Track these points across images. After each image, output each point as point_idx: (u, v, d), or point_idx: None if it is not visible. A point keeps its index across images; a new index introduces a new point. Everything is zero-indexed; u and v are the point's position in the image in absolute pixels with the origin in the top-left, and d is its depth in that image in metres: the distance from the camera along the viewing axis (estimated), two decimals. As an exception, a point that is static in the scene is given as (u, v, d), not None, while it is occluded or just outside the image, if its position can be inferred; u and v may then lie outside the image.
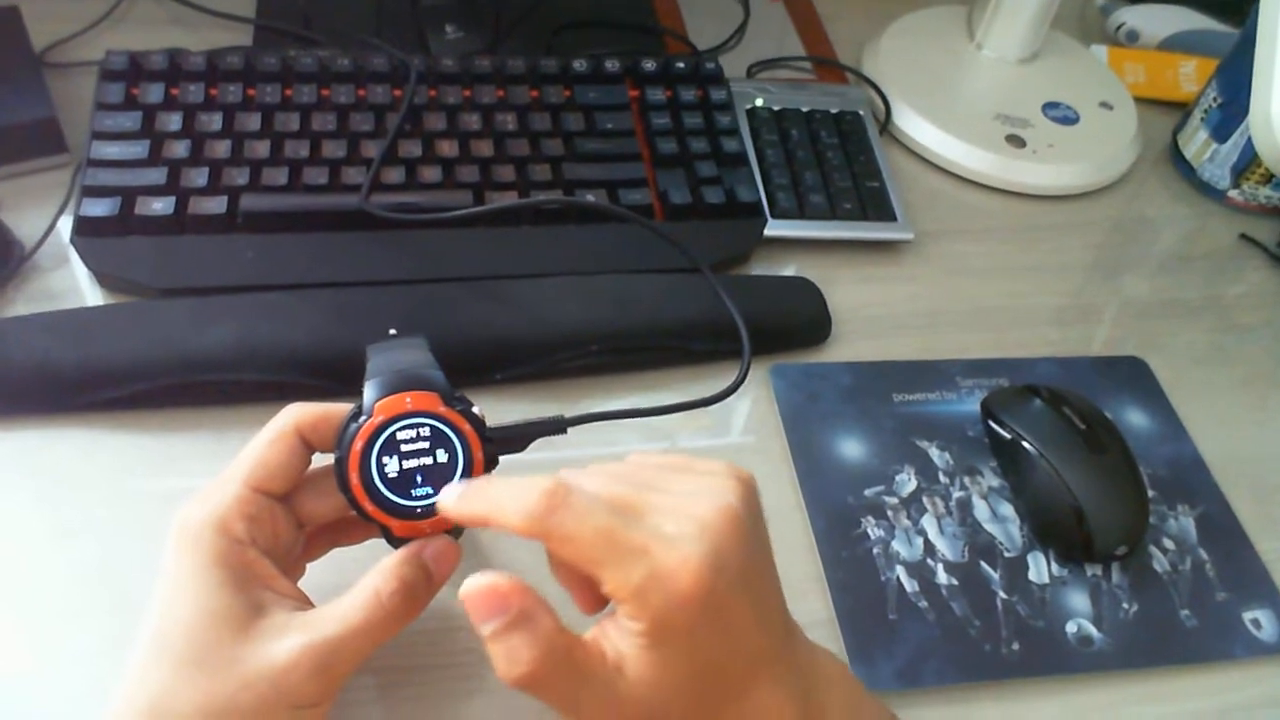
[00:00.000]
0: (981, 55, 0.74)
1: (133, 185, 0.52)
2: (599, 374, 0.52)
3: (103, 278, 0.51)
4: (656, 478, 0.33)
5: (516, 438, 0.38)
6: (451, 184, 0.56)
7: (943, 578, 0.46)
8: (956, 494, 0.50)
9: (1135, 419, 0.55)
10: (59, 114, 0.56)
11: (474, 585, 0.30)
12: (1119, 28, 0.82)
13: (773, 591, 0.33)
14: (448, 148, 0.57)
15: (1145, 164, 0.72)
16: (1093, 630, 0.46)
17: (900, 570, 0.46)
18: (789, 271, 0.59)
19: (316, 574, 0.39)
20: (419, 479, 0.34)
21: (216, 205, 0.52)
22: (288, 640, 0.32)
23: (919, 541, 0.48)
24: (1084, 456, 0.48)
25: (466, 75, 0.61)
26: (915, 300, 0.60)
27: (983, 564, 0.47)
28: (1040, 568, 0.48)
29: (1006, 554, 0.48)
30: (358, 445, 0.34)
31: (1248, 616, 0.47)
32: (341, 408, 0.36)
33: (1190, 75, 0.78)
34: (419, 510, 0.34)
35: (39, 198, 0.54)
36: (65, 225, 0.53)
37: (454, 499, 0.33)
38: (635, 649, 0.30)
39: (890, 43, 0.74)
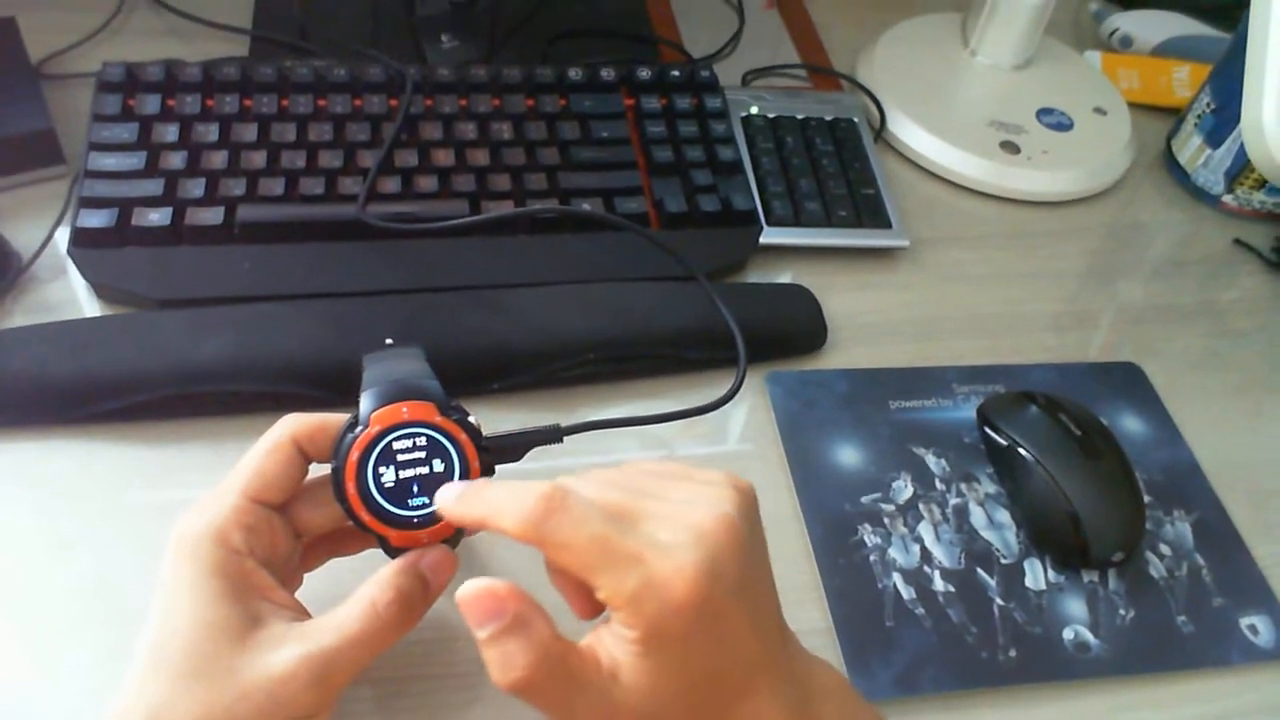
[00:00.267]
0: (976, 62, 0.74)
1: (130, 196, 0.52)
2: (595, 383, 0.52)
3: (100, 289, 0.51)
4: (654, 485, 0.33)
5: (513, 447, 0.38)
6: (448, 193, 0.56)
7: (940, 585, 0.46)
8: (953, 501, 0.50)
9: (1131, 425, 0.55)
10: (56, 125, 0.56)
11: (471, 590, 0.30)
12: (1112, 34, 0.83)
13: (769, 601, 0.33)
14: (444, 157, 0.57)
15: (1139, 170, 0.73)
16: (1090, 637, 0.46)
17: (897, 577, 0.46)
18: (785, 279, 0.59)
19: (314, 584, 0.39)
20: (415, 489, 0.35)
21: (213, 216, 0.52)
22: (285, 651, 0.32)
23: (916, 549, 0.48)
24: (1080, 463, 0.48)
25: (462, 85, 0.61)
26: (911, 307, 0.60)
27: (979, 571, 0.47)
28: (1037, 574, 0.48)
29: (1003, 561, 0.48)
30: (354, 455, 0.34)
31: (1244, 622, 0.47)
32: (338, 418, 0.36)
33: (1184, 81, 0.78)
34: (416, 520, 0.35)
35: (36, 209, 0.54)
36: (62, 236, 0.53)
37: (453, 500, 0.33)
38: (630, 656, 0.30)
39: (885, 50, 0.74)
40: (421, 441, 0.35)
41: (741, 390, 0.48)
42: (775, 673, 0.32)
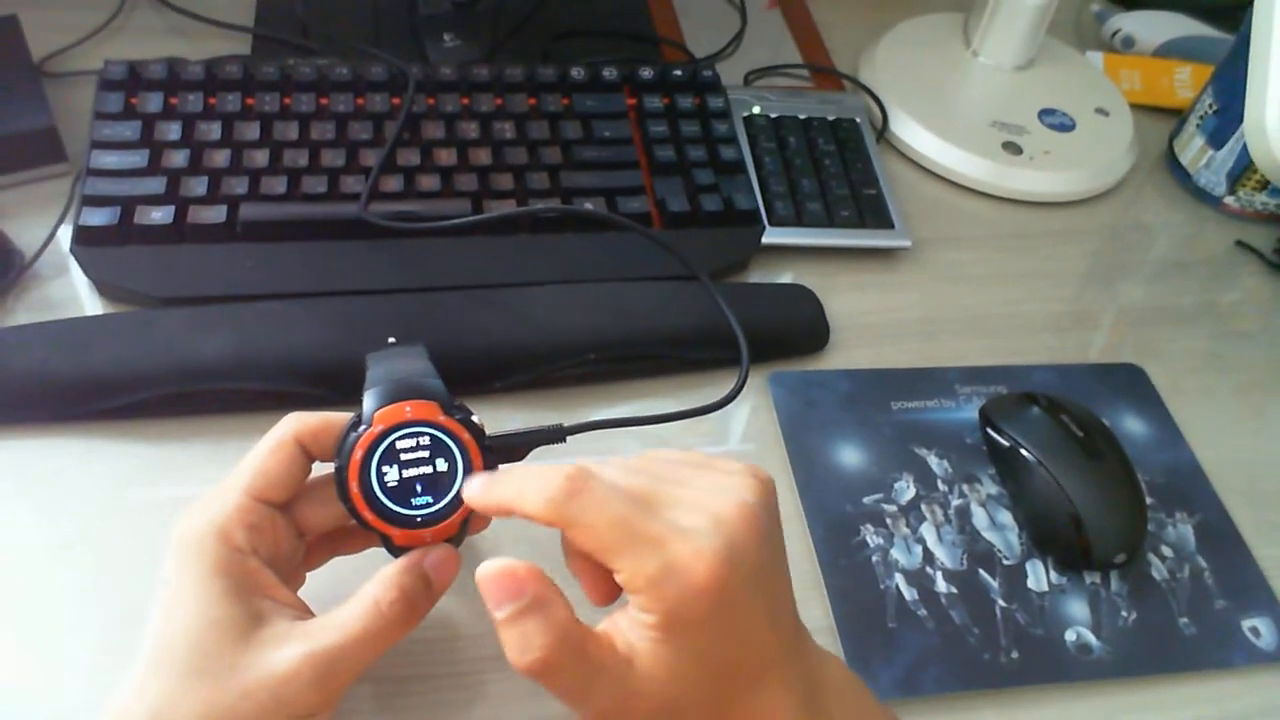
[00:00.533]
0: (978, 62, 0.74)
1: (132, 195, 0.52)
2: (598, 382, 0.52)
3: (102, 287, 0.51)
4: (675, 472, 0.33)
5: (516, 446, 0.38)
6: (450, 192, 0.56)
7: (942, 586, 0.46)
8: (955, 502, 0.50)
9: (1133, 426, 0.55)
10: (58, 123, 0.56)
11: (490, 569, 0.30)
12: (1114, 34, 0.83)
13: (785, 593, 0.33)
14: (446, 156, 0.57)
15: (1141, 170, 0.73)
16: (1091, 638, 0.46)
17: (899, 578, 0.46)
18: (787, 279, 0.59)
19: (316, 583, 0.39)
20: (419, 488, 0.34)
21: (216, 214, 0.52)
22: (288, 649, 0.32)
23: (918, 549, 0.48)
24: (1082, 464, 0.48)
25: (464, 84, 0.61)
26: (913, 308, 0.60)
27: (981, 572, 0.47)
28: (1039, 575, 0.48)
29: (1005, 562, 0.48)
30: (357, 454, 0.34)
31: (1246, 624, 0.47)
32: (341, 417, 0.36)
33: (1186, 81, 0.78)
34: (419, 519, 0.35)
35: (38, 207, 0.54)
36: (65, 234, 0.53)
37: (479, 488, 0.34)
38: (647, 641, 0.30)
39: (887, 50, 0.74)
40: (425, 441, 0.35)
41: (744, 390, 0.48)
42: (788, 664, 0.32)
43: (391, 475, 0.34)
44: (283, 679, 0.31)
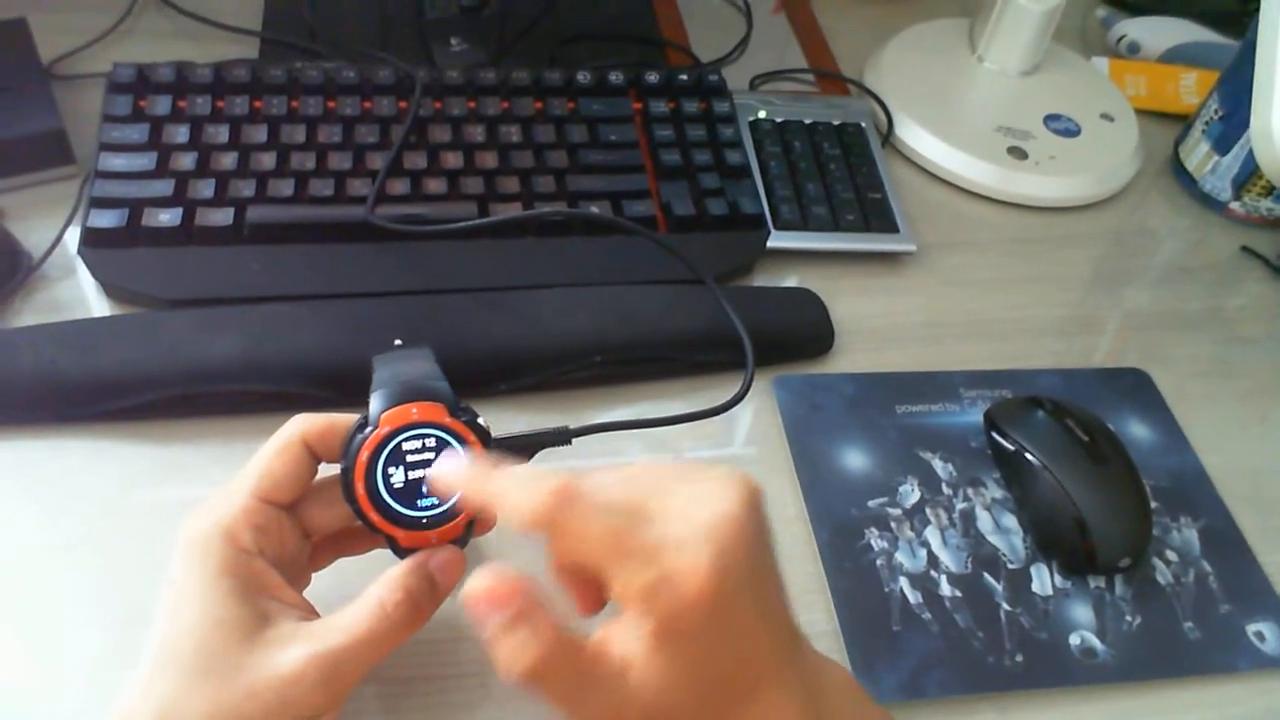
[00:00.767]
0: (983, 68, 0.74)
1: (140, 197, 0.52)
2: (603, 385, 0.52)
3: (110, 289, 0.51)
4: (663, 482, 0.33)
5: (521, 448, 0.38)
6: (456, 195, 0.56)
7: (946, 589, 0.46)
8: (960, 505, 0.50)
9: (1138, 431, 0.55)
10: (66, 126, 0.56)
11: (478, 580, 0.30)
12: (1120, 40, 0.83)
13: (779, 599, 0.33)
14: (453, 159, 0.57)
15: (1147, 176, 0.73)
16: (1096, 642, 0.46)
17: (904, 582, 0.46)
18: (792, 283, 0.60)
19: (322, 584, 0.39)
20: (424, 490, 0.35)
21: (223, 217, 0.52)
22: (294, 650, 0.32)
23: (922, 553, 0.48)
24: (1087, 468, 0.48)
25: (471, 87, 0.61)
26: (918, 311, 0.60)
27: (986, 576, 0.47)
28: (1043, 579, 0.48)
29: (1010, 566, 0.48)
30: (363, 456, 0.34)
31: (1251, 629, 0.47)
32: (347, 418, 0.36)
33: (1191, 87, 0.78)
34: (424, 521, 0.35)
35: (46, 209, 0.55)
36: (73, 236, 0.53)
37: (464, 476, 0.33)
38: (642, 651, 0.30)
39: (892, 55, 0.74)
40: (431, 442, 0.35)
41: (749, 394, 0.48)
42: (786, 670, 0.32)
43: (397, 477, 0.34)
44: (288, 680, 0.31)
